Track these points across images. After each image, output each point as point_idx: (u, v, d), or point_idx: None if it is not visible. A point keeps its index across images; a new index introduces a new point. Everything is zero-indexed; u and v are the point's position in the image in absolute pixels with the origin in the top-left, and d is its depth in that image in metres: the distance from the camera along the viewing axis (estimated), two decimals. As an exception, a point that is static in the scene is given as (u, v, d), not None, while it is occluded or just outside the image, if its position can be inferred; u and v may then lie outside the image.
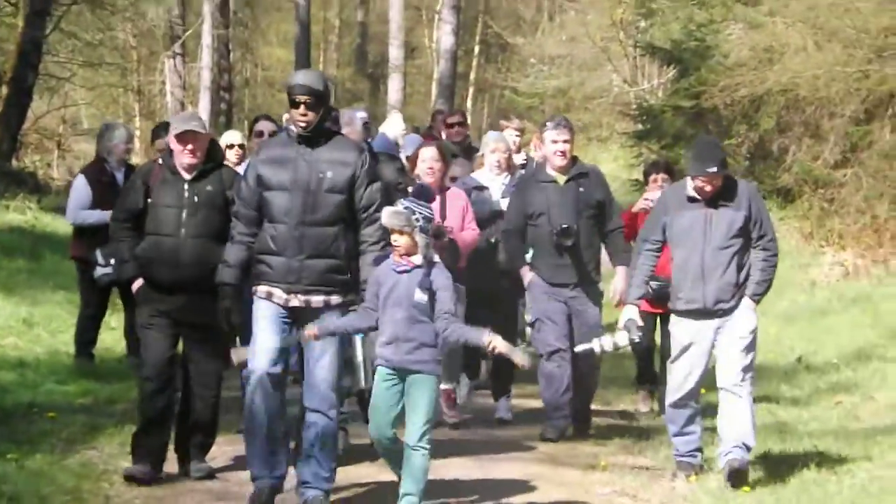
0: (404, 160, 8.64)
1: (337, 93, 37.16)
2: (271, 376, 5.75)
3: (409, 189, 7.34)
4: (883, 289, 12.71)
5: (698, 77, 16.25)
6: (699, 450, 6.71)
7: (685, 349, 6.56)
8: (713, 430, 6.72)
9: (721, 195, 6.49)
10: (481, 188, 8.16)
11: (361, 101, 33.76)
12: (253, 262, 5.85)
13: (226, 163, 6.77)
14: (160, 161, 6.44)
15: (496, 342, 5.51)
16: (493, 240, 7.97)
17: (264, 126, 8.26)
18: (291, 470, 5.93)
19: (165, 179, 6.30)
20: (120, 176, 8.98)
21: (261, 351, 5.75)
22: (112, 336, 9.87)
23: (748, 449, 6.45)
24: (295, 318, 5.80)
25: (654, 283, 6.97)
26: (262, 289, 5.82)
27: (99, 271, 8.25)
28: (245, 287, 5.95)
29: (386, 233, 5.64)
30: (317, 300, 5.77)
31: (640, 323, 6.69)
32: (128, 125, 9.18)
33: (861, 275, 13.59)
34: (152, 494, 6.15)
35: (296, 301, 5.77)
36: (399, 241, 5.56)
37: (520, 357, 5.58)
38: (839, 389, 9.33)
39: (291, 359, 6.05)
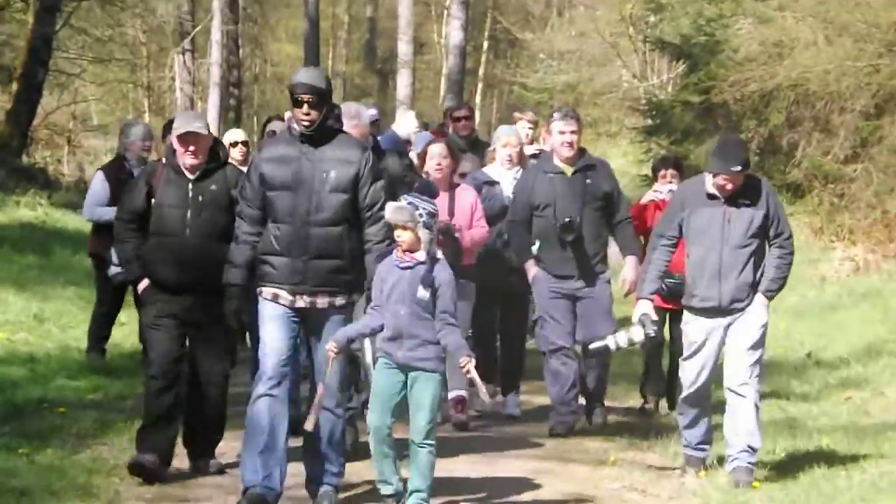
0: (415, 157, 8.64)
1: (346, 88, 37.17)
2: (280, 378, 5.69)
3: (416, 184, 7.35)
4: (893, 284, 12.68)
5: (708, 72, 16.22)
6: (708, 443, 6.68)
7: (699, 347, 6.51)
8: (722, 426, 6.70)
9: (740, 193, 6.41)
10: (492, 183, 8.13)
11: (370, 97, 33.77)
12: (257, 263, 5.81)
13: (230, 161, 6.75)
14: (164, 161, 6.42)
15: (469, 367, 5.48)
16: (505, 236, 7.93)
17: (277, 126, 8.27)
18: (292, 468, 5.90)
19: (169, 179, 6.28)
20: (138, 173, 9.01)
21: (270, 352, 5.70)
22: (122, 332, 9.89)
23: (754, 451, 6.44)
24: (302, 319, 5.76)
25: (667, 280, 6.95)
26: (267, 290, 5.77)
27: (113, 270, 8.30)
28: (252, 287, 5.91)
29: (391, 231, 5.61)
30: (322, 301, 5.73)
31: (655, 318, 6.63)
32: (147, 123, 9.20)
33: (871, 270, 13.56)
34: (162, 490, 6.17)
35: (301, 302, 5.73)
36: (402, 236, 5.53)
37: (483, 393, 5.59)
38: (849, 385, 9.31)
39: (301, 355, 6.03)
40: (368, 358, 5.81)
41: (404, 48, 24.88)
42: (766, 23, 15.94)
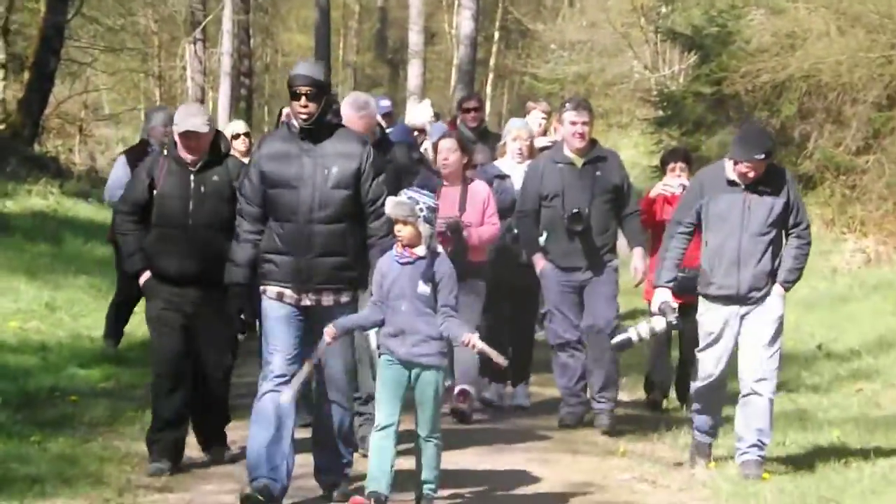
0: (430, 147, 8.62)
1: (356, 78, 37.16)
2: (289, 375, 5.65)
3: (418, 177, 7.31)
4: (905, 276, 12.65)
5: (719, 63, 16.17)
6: (717, 429, 6.63)
7: (715, 338, 6.44)
8: (732, 417, 6.69)
9: (761, 180, 6.33)
10: (503, 177, 8.06)
11: (381, 87, 33.78)
12: (259, 261, 5.74)
13: (232, 152, 6.73)
14: (165, 152, 6.39)
15: (474, 341, 5.45)
16: (515, 231, 7.86)
17: (291, 115, 8.23)
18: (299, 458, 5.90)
19: (171, 170, 6.25)
20: None
21: (277, 351, 5.67)
22: (134, 321, 9.90)
23: (765, 445, 6.43)
24: (307, 317, 5.72)
25: (678, 274, 6.89)
26: (271, 289, 5.72)
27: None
28: (254, 285, 5.86)
29: (393, 226, 5.55)
30: (327, 299, 5.69)
31: (675, 305, 6.52)
32: (170, 109, 9.19)
33: (883, 262, 13.53)
34: (173, 478, 6.19)
35: (307, 300, 5.69)
36: (403, 231, 5.47)
37: (496, 356, 5.53)
38: (860, 377, 9.30)
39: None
40: (375, 351, 5.77)
41: (415, 38, 24.83)
42: (778, 13, 15.89)
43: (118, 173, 9.07)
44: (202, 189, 6.21)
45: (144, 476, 6.17)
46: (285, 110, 6.03)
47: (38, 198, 15.46)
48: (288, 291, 5.69)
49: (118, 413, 7.34)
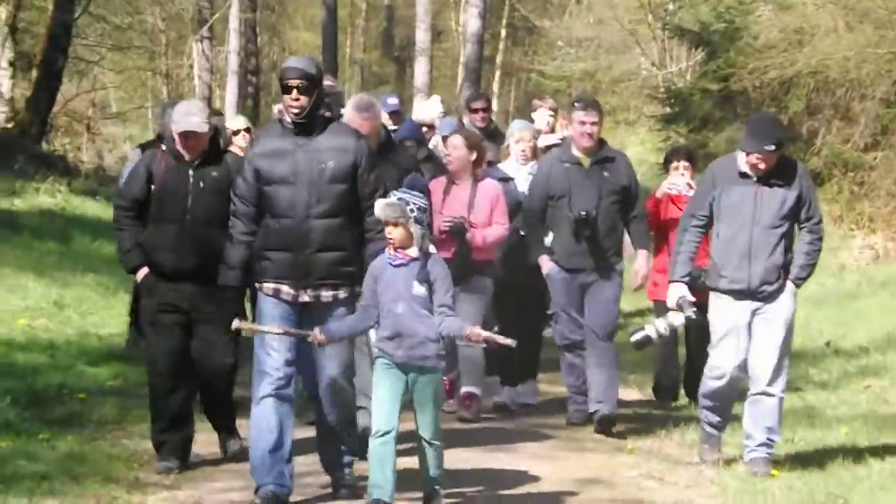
0: (440, 142, 8.59)
1: (363, 76, 37.14)
2: (286, 378, 5.62)
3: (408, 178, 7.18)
4: (913, 273, 12.63)
5: (727, 59, 16.14)
6: (726, 424, 6.56)
7: (726, 334, 6.37)
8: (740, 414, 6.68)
9: (774, 173, 6.26)
10: (507, 179, 7.99)
11: (388, 85, 33.75)
12: (256, 259, 5.69)
13: (232, 148, 6.70)
14: (163, 147, 6.36)
15: (477, 331, 5.40)
16: (522, 232, 7.80)
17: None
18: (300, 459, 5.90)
19: (170, 166, 6.23)
20: None
21: (274, 353, 5.61)
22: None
23: (773, 443, 6.41)
24: (304, 314, 5.66)
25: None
26: (268, 286, 5.66)
27: None
28: (250, 284, 5.81)
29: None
30: (326, 295, 5.64)
31: (692, 299, 6.45)
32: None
33: (891, 258, 13.51)
34: (182, 476, 6.20)
35: (305, 297, 5.64)
36: (394, 233, 5.40)
37: (502, 339, 5.47)
38: (868, 373, 9.28)
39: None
40: (373, 339, 5.71)
41: (422, 36, 24.83)
42: (786, 9, 15.86)
43: (132, 164, 9.04)
44: (201, 185, 6.18)
45: (153, 474, 6.18)
46: (277, 107, 5.95)
47: (46, 196, 15.49)
48: (285, 287, 5.64)
49: (126, 411, 7.35)
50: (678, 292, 6.47)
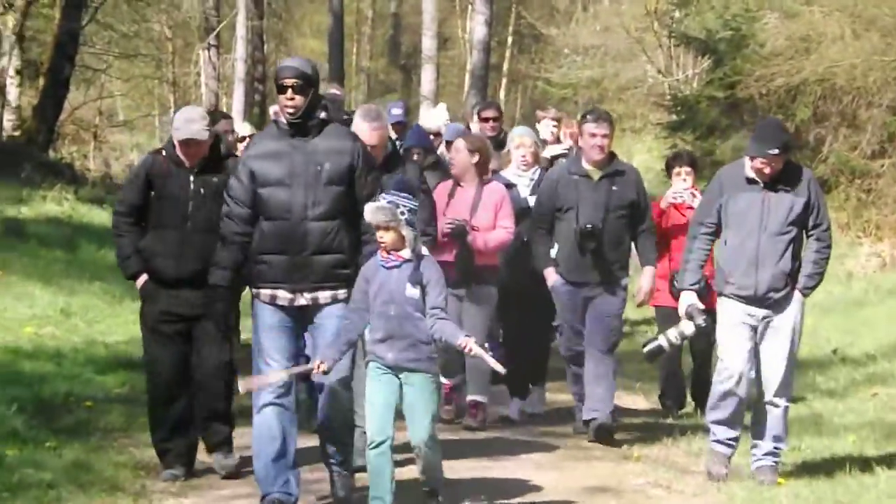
0: (445, 148, 8.57)
1: (370, 84, 37.18)
2: (286, 386, 5.60)
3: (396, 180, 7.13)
4: (920, 280, 12.61)
5: (733, 67, 16.15)
6: (736, 440, 6.50)
7: (734, 336, 6.31)
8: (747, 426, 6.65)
9: (781, 179, 6.23)
10: (509, 185, 7.92)
11: (394, 93, 33.78)
12: (251, 263, 5.64)
13: (239, 154, 6.66)
14: (164, 152, 6.32)
15: (470, 345, 5.34)
16: (525, 238, 7.73)
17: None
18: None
19: (170, 172, 6.20)
20: None
21: (273, 361, 5.58)
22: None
23: (780, 452, 6.39)
24: (301, 317, 5.63)
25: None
26: (264, 292, 5.63)
27: None
28: (240, 287, 5.79)
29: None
30: (324, 296, 5.59)
31: (702, 306, 6.43)
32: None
33: (898, 266, 13.48)
34: (188, 484, 6.20)
35: (302, 300, 5.59)
36: (385, 237, 5.35)
37: (493, 363, 5.44)
38: (875, 381, 9.26)
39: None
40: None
41: (428, 43, 24.85)
42: (792, 17, 15.86)
43: None
44: (202, 191, 6.15)
45: (159, 482, 6.18)
46: (273, 108, 5.93)
47: (53, 204, 15.52)
48: (281, 293, 5.60)
49: (133, 419, 7.34)
50: (688, 300, 6.44)
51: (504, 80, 34.97)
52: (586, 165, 7.47)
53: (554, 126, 9.43)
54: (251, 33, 28.19)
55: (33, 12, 19.54)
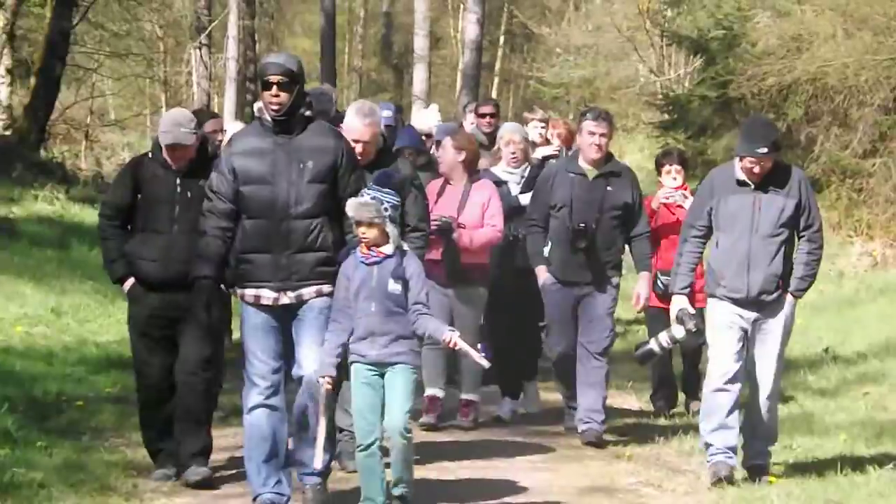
0: (435, 147, 8.57)
1: (362, 83, 37.15)
2: (275, 386, 5.58)
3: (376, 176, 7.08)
4: (911, 279, 12.63)
5: (725, 66, 16.17)
6: (734, 449, 6.33)
7: (724, 337, 6.27)
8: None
9: (771, 180, 6.19)
10: (499, 183, 7.91)
11: (386, 92, 33.78)
12: (234, 262, 5.61)
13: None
14: (150, 155, 6.29)
15: (455, 339, 5.32)
16: (518, 235, 7.72)
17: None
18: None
19: (156, 174, 6.17)
20: None
21: (260, 362, 5.57)
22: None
23: (770, 451, 6.40)
24: (287, 316, 5.59)
25: (663, 279, 6.79)
26: (248, 293, 5.59)
27: None
28: (224, 282, 5.70)
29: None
30: (308, 292, 5.56)
31: (693, 311, 6.41)
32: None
33: (889, 265, 13.51)
34: (180, 483, 6.17)
35: (286, 299, 5.56)
36: (368, 234, 5.31)
37: (478, 357, 5.42)
38: (867, 380, 9.27)
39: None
40: None
41: (420, 43, 24.84)
42: (784, 16, 15.88)
43: None
44: (188, 194, 6.11)
45: (151, 482, 6.17)
46: (258, 105, 5.95)
47: (45, 203, 15.48)
48: (265, 292, 5.57)
49: (124, 419, 7.34)
50: (679, 304, 6.41)
51: (496, 80, 34.98)
52: (583, 164, 7.44)
53: (542, 127, 9.39)
54: (243, 33, 28.14)
55: (24, 11, 19.48)
